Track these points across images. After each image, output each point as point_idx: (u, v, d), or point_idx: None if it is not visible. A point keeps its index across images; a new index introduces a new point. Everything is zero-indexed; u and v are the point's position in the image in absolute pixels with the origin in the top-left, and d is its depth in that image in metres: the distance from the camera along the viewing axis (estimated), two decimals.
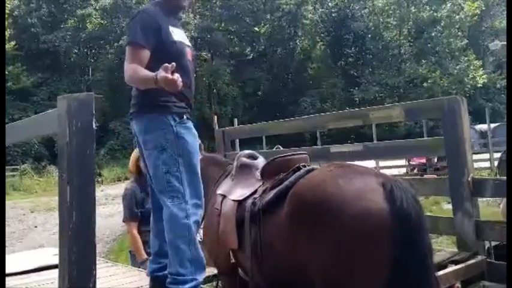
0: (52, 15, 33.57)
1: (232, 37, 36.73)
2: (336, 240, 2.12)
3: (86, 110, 1.54)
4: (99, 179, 21.06)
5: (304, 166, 2.69)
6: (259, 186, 2.83)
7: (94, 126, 1.55)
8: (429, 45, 34.07)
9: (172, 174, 2.49)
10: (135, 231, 3.89)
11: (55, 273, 2.75)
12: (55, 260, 3.28)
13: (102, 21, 34.27)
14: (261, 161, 3.10)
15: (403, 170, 16.30)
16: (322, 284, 2.23)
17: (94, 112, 1.54)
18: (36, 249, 6.02)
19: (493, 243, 3.42)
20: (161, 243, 2.68)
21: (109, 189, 16.52)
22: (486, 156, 15.60)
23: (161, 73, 2.16)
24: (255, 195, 2.74)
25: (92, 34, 33.44)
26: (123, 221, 4.05)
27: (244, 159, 3.13)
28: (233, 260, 2.77)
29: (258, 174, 2.99)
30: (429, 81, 31.47)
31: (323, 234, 2.15)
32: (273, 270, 2.55)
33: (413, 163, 16.44)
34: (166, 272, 2.59)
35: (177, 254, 2.45)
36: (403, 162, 16.42)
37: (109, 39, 33.02)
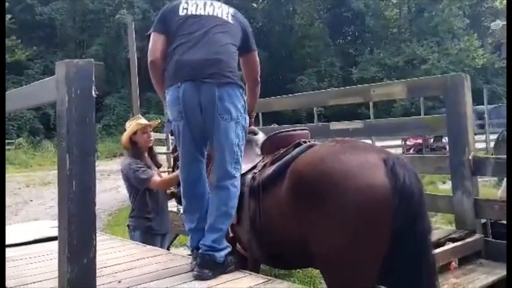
0: None
1: None
2: (336, 215, 2.11)
3: (85, 77, 1.49)
4: (96, 154, 20.84)
5: (305, 142, 2.67)
6: (259, 161, 2.81)
7: (94, 93, 1.51)
8: (430, 24, 33.75)
9: (239, 148, 2.58)
10: (159, 179, 3.80)
11: (52, 245, 2.75)
12: (52, 232, 3.29)
13: None
14: (261, 137, 3.08)
15: (399, 151, 16.31)
16: (321, 257, 2.23)
17: (94, 79, 1.49)
18: (32, 222, 6.02)
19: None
20: (202, 213, 2.63)
21: (104, 165, 16.47)
22: (482, 137, 15.63)
23: None
24: (254, 170, 2.73)
25: (88, 7, 32.85)
26: (147, 186, 3.77)
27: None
28: (231, 235, 2.77)
29: (258, 149, 2.97)
30: (428, 63, 31.27)
31: (323, 209, 2.14)
32: (271, 244, 2.56)
33: (410, 143, 16.45)
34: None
35: (227, 221, 2.55)
36: (399, 142, 16.43)
37: (105, 13, 32.44)
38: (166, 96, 2.58)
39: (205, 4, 2.66)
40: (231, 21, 2.66)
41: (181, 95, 2.47)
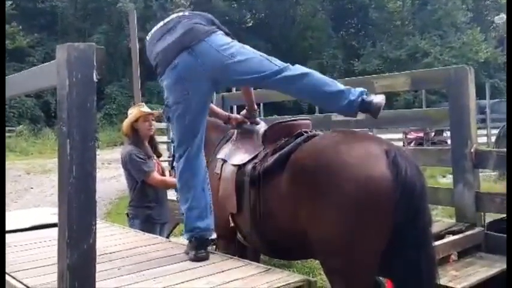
0: None
1: (232, 4, 36.00)
2: (336, 207, 2.10)
3: (86, 61, 1.47)
4: (96, 143, 20.81)
5: (306, 132, 2.65)
6: (260, 151, 2.80)
7: (95, 78, 1.49)
8: (433, 17, 33.59)
9: (269, 76, 2.65)
10: (159, 177, 3.86)
11: (52, 231, 2.74)
12: (52, 219, 3.28)
13: None
14: (262, 127, 3.05)
15: (400, 144, 16.25)
16: (321, 249, 2.23)
17: (95, 64, 1.48)
18: (32, 208, 6.02)
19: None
20: (197, 191, 2.63)
21: (105, 154, 16.47)
22: (484, 132, 15.59)
23: None
24: (255, 160, 2.71)
25: None
26: (145, 180, 3.82)
27: (246, 124, 3.09)
28: (232, 224, 2.76)
29: (259, 139, 2.95)
30: (431, 56, 31.14)
31: (323, 200, 2.14)
32: (271, 234, 2.55)
33: (411, 137, 16.42)
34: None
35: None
36: (400, 135, 16.38)
37: (107, 1, 32.23)
38: (164, 82, 2.57)
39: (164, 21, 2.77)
40: (186, 13, 2.74)
41: (182, 70, 2.48)
